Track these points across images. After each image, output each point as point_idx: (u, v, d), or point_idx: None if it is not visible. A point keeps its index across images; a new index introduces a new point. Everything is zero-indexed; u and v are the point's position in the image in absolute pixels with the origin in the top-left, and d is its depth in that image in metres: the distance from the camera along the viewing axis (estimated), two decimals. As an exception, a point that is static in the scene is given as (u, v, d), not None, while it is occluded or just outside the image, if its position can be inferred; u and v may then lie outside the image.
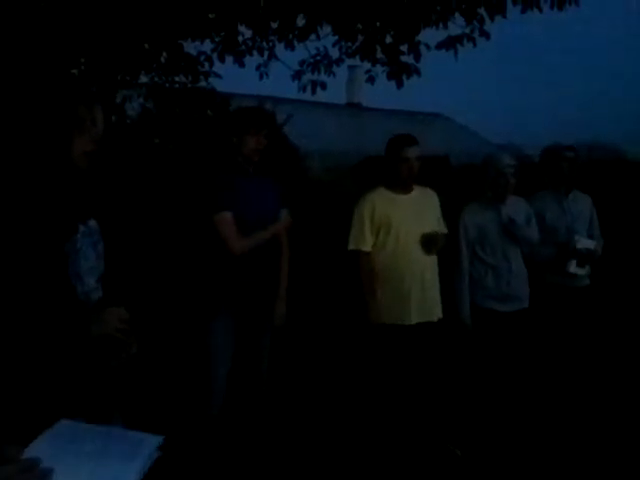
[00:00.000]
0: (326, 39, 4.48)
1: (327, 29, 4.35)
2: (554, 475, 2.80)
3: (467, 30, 4.14)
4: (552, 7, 3.98)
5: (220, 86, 5.38)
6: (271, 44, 4.72)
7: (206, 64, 4.72)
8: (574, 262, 3.35)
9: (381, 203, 2.94)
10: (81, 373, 1.37)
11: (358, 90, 18.32)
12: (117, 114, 5.44)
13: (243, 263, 2.60)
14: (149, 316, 2.93)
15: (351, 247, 2.96)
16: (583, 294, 3.47)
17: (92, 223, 1.47)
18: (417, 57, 4.27)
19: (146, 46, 4.36)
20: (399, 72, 4.38)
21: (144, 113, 5.88)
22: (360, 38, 4.44)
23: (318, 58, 4.71)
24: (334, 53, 4.67)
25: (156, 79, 5.09)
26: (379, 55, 4.48)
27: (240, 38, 4.54)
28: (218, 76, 4.96)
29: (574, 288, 3.42)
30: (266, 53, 4.76)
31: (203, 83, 5.06)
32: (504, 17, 4.07)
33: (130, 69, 4.56)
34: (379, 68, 4.51)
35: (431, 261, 2.99)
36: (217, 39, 4.49)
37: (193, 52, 4.63)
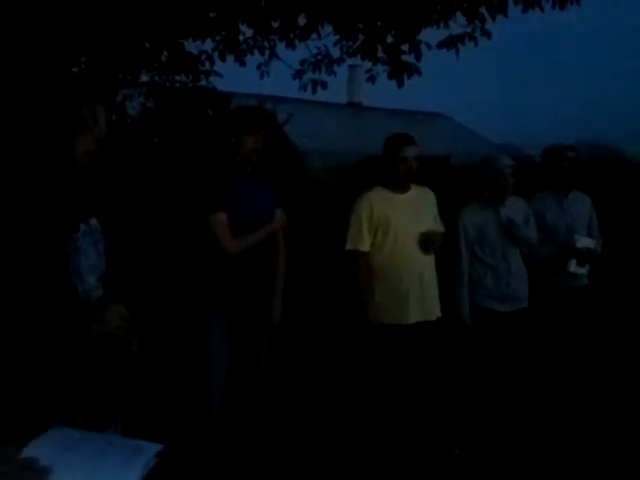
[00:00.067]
0: (327, 38, 4.49)
1: (328, 28, 4.35)
2: (553, 474, 2.81)
3: (468, 29, 4.15)
4: (553, 6, 3.98)
5: (221, 85, 5.39)
6: (272, 43, 4.72)
7: (207, 63, 4.72)
8: (574, 261, 3.36)
9: (379, 203, 2.93)
10: (81, 371, 1.37)
11: (359, 89, 18.32)
12: (118, 113, 5.44)
13: (239, 264, 2.60)
14: (149, 314, 2.93)
15: (349, 247, 2.95)
16: (582, 294, 3.48)
17: (93, 222, 1.47)
18: (418, 56, 4.27)
19: (147, 45, 4.36)
20: (400, 71, 4.37)
21: (145, 112, 5.88)
22: (361, 37, 4.43)
23: (319, 57, 4.70)
24: (335, 52, 4.68)
25: (157, 78, 5.09)
26: (380, 54, 4.48)
27: (241, 37, 4.54)
28: (219, 75, 4.96)
29: (573, 288, 3.43)
30: (267, 52, 4.76)
31: (204, 82, 5.06)
32: (505, 16, 4.07)
33: (131, 68, 4.56)
34: (380, 67, 4.51)
35: (429, 260, 2.99)
36: (218, 38, 4.49)
37: (194, 51, 4.63)
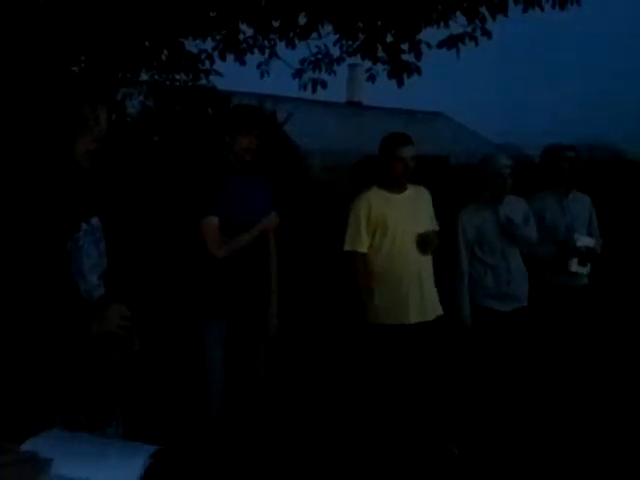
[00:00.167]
0: (327, 38, 4.49)
1: (328, 28, 4.35)
2: (553, 474, 2.81)
3: (469, 29, 4.15)
4: (554, 6, 3.98)
5: (221, 84, 5.38)
6: (272, 42, 4.72)
7: (207, 62, 4.72)
8: (575, 261, 3.36)
9: (377, 203, 2.92)
10: (83, 370, 1.37)
11: (359, 89, 18.31)
12: (118, 112, 5.44)
13: (236, 264, 2.58)
14: (150, 314, 2.93)
15: (347, 248, 2.94)
16: (582, 293, 3.48)
17: (95, 221, 1.47)
18: (418, 56, 4.27)
19: (147, 44, 4.36)
20: (400, 71, 4.37)
21: (144, 111, 5.88)
22: (361, 37, 4.44)
23: (319, 56, 4.71)
24: (335, 52, 4.68)
25: (157, 77, 5.09)
26: (380, 54, 4.48)
27: (241, 36, 4.53)
28: (219, 74, 4.96)
29: (574, 287, 3.43)
30: (267, 51, 4.75)
31: (204, 81, 5.06)
32: (506, 16, 4.08)
33: (131, 67, 4.56)
34: (380, 67, 4.51)
35: (427, 260, 2.99)
36: (218, 37, 4.49)
37: (194, 50, 4.63)
